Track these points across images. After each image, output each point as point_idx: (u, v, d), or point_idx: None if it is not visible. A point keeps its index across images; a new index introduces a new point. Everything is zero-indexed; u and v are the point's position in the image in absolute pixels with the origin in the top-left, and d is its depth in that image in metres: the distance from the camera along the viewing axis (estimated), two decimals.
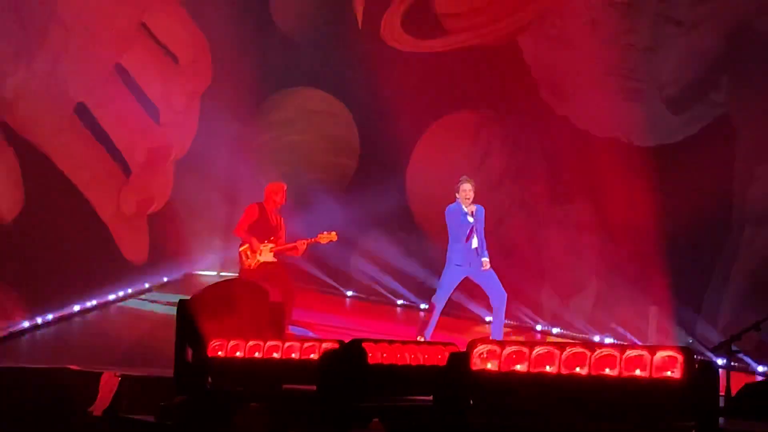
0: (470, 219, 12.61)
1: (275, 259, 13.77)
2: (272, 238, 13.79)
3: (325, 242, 14.00)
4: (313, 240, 13.90)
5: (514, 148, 17.29)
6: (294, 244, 13.80)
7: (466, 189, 12.71)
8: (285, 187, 14.02)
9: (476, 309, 16.13)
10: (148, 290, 17.34)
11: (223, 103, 17.66)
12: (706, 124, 16.54)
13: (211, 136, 17.64)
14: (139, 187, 17.53)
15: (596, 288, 16.96)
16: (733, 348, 9.25)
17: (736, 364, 13.05)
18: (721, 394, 7.78)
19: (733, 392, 8.53)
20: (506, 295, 12.67)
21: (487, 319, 15.23)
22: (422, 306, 16.31)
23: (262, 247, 13.66)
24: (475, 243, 12.64)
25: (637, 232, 16.39)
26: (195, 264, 17.46)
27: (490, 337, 12.53)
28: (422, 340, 12.23)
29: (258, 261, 13.65)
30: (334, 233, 13.95)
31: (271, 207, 13.89)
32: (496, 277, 12.72)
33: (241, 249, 13.77)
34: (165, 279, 17.57)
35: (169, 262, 17.42)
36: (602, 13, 17.31)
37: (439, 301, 12.85)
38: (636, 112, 17.02)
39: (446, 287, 12.88)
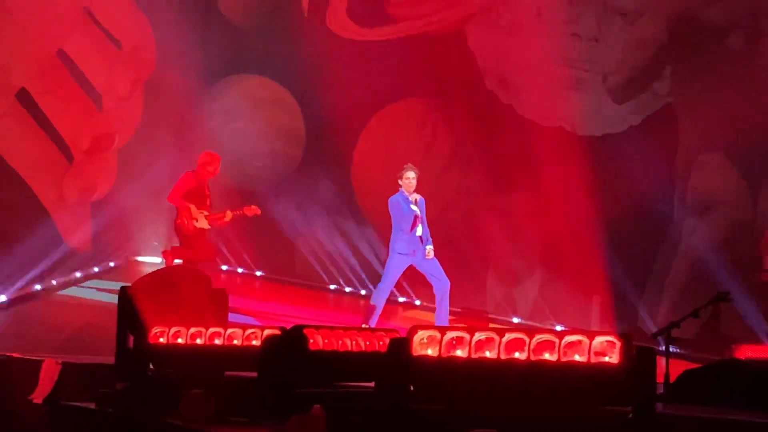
0: (414, 207, 12.63)
1: (209, 227, 13.80)
2: (205, 206, 13.80)
3: (250, 215, 14.05)
4: (239, 212, 13.95)
5: (459, 137, 17.35)
6: (224, 213, 13.84)
7: (410, 177, 12.71)
8: (219, 158, 13.99)
9: (420, 296, 16.19)
10: (91, 277, 17.22)
11: (168, 90, 17.56)
12: (649, 114, 16.69)
13: (154, 123, 17.55)
14: (82, 174, 17.40)
15: (540, 276, 17.06)
16: (673, 335, 9.33)
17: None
18: (660, 380, 7.88)
19: (672, 378, 8.63)
20: (449, 283, 12.69)
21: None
22: (366, 294, 16.34)
23: (199, 214, 13.65)
24: (419, 231, 12.66)
25: (580, 221, 16.48)
26: (138, 251, 17.36)
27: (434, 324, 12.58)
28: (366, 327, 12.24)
29: (195, 227, 13.62)
30: (257, 207, 14.00)
31: (204, 177, 13.87)
32: (439, 265, 12.75)
33: (177, 217, 13.73)
34: (108, 266, 17.47)
35: (112, 249, 17.32)
36: (548, 3, 17.40)
37: (384, 289, 12.86)
38: (580, 102, 17.13)
39: (391, 276, 12.89)
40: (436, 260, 12.76)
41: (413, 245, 12.66)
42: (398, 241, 12.74)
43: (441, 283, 12.69)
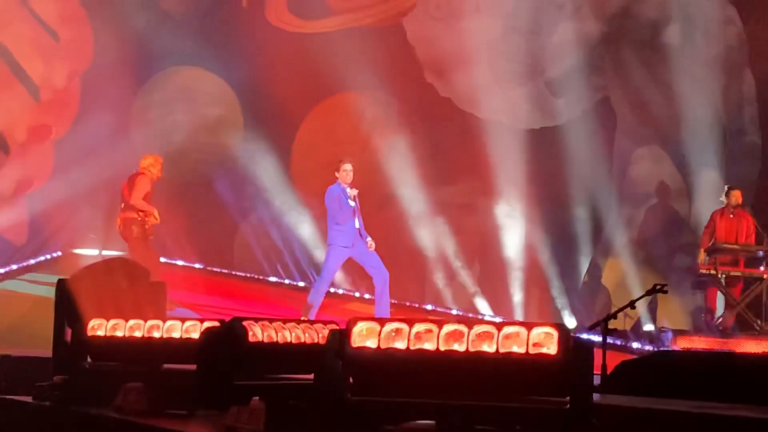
0: (351, 203, 12.64)
1: None
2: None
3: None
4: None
5: (397, 130, 17.36)
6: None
7: (348, 169, 12.74)
8: (162, 160, 14.04)
9: (359, 288, 16.20)
10: (27, 270, 17.06)
11: (106, 82, 17.41)
12: (587, 107, 16.80)
13: (92, 115, 17.40)
14: (19, 166, 17.25)
15: (479, 268, 17.13)
16: (609, 326, 9.39)
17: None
18: (597, 371, 7.94)
19: (609, 369, 8.70)
20: (389, 274, 12.72)
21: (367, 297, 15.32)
22: (305, 285, 16.32)
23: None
24: (357, 223, 12.68)
25: (519, 213, 16.59)
26: (75, 244, 17.19)
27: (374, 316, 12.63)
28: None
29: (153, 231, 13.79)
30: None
31: (151, 179, 13.92)
32: (378, 257, 12.78)
33: (143, 220, 13.77)
34: (44, 258, 17.32)
35: (49, 242, 17.17)
36: None
37: (324, 281, 12.88)
38: (518, 95, 17.22)
39: (330, 268, 12.91)
40: (375, 252, 12.79)
41: (353, 237, 12.68)
42: (338, 234, 12.74)
43: (380, 274, 12.72)
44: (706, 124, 16.26)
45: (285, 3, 18.28)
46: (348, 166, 12.76)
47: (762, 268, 14.34)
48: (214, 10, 18.61)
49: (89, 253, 17.01)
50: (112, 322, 8.36)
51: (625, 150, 16.70)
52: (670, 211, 16.82)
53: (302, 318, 12.29)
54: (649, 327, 15.18)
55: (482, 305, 16.52)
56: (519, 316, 15.88)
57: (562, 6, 17.08)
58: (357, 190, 12.74)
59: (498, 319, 15.37)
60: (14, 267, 16.97)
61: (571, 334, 5.81)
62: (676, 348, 13.05)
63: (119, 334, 8.27)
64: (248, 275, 17.63)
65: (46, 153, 17.59)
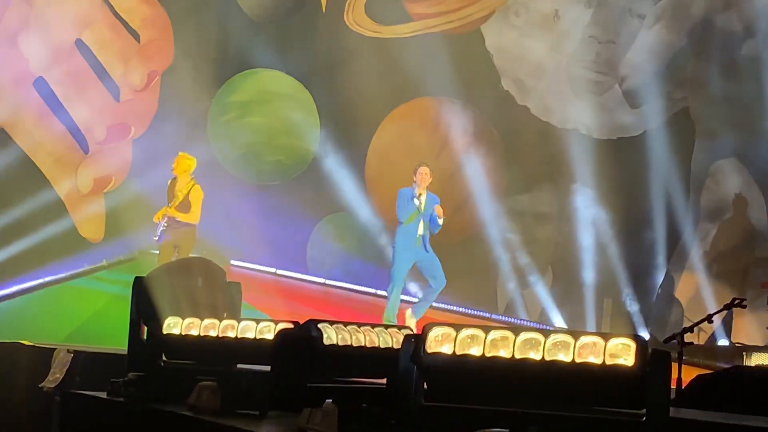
0: (417, 202, 12.64)
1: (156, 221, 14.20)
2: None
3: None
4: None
5: (474, 137, 17.36)
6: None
7: (424, 172, 12.76)
8: (179, 155, 14.27)
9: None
10: (103, 268, 17.23)
11: (184, 83, 17.58)
12: (665, 118, 16.67)
13: (170, 115, 17.57)
14: (97, 164, 17.43)
15: (551, 278, 17.06)
16: (685, 340, 9.31)
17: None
18: (672, 385, 7.86)
19: (684, 383, 8.62)
20: (445, 283, 12.75)
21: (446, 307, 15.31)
22: (379, 292, 16.32)
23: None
24: (421, 229, 12.67)
25: (594, 224, 16.49)
26: (152, 243, 17.36)
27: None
28: None
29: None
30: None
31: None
32: (439, 263, 12.79)
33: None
34: (121, 257, 17.48)
35: (125, 240, 17.33)
36: (566, 5, 17.41)
37: (396, 285, 12.90)
38: (596, 105, 17.13)
39: (399, 271, 12.93)
40: (437, 259, 12.80)
41: (413, 239, 12.69)
42: (399, 234, 12.81)
43: (438, 281, 12.76)
44: None
45: (363, 7, 18.32)
46: (426, 169, 12.81)
47: None
48: (293, 13, 18.71)
49: None
50: (187, 320, 8.39)
51: (703, 162, 16.54)
52: (746, 225, 16.62)
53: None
54: (723, 342, 15.03)
55: (555, 315, 16.43)
56: (592, 327, 15.78)
57: (642, 16, 16.97)
58: (427, 194, 12.72)
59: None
60: (91, 265, 17.14)
61: (649, 346, 5.74)
62: (750, 364, 12.90)
63: (194, 333, 8.29)
64: (321, 280, 17.68)
65: (124, 152, 17.78)
